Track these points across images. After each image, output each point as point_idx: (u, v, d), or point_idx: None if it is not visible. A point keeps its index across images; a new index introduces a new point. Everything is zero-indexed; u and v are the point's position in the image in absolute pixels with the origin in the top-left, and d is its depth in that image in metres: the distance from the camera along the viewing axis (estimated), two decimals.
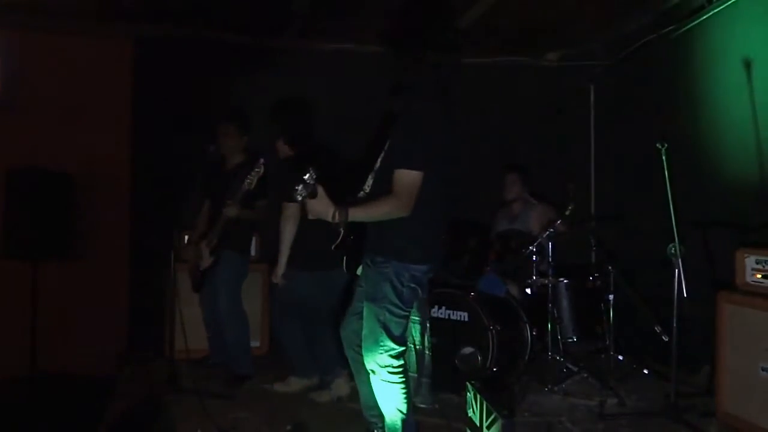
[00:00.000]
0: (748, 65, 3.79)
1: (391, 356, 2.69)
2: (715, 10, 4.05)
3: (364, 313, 2.75)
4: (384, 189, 2.63)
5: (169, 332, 4.06)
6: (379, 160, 2.78)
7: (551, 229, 4.19)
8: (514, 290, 4.50)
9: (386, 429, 2.84)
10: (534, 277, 4.31)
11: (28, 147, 4.39)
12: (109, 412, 3.56)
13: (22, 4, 4.29)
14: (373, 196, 2.72)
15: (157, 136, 4.75)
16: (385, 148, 2.74)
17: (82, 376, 4.12)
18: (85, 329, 4.48)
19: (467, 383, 3.04)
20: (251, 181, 3.73)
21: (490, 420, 2.75)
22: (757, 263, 3.27)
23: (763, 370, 3.16)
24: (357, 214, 2.58)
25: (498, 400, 2.85)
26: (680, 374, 3.60)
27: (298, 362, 4.05)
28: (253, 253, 4.88)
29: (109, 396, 3.79)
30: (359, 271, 2.91)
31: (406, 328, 2.79)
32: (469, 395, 3.00)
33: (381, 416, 2.88)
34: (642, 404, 3.80)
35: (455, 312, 4.05)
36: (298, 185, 2.48)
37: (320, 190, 2.51)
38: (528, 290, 4.48)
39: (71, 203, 4.23)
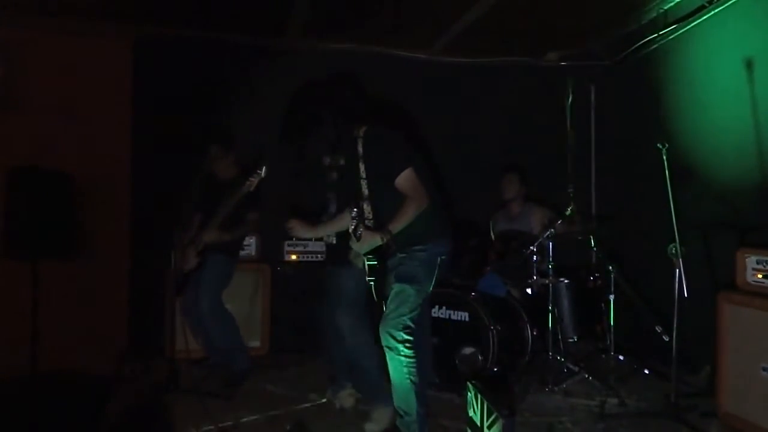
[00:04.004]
0: (748, 65, 3.79)
1: (408, 333, 3.00)
2: (715, 10, 4.05)
3: (393, 292, 3.05)
4: (383, 207, 3.07)
5: (169, 332, 4.06)
6: (365, 188, 3.13)
7: (551, 230, 4.19)
8: (514, 290, 4.50)
9: (397, 401, 3.07)
10: (534, 277, 4.31)
11: (28, 147, 4.39)
12: (109, 412, 3.56)
13: (22, 3, 4.29)
14: (382, 212, 3.09)
15: (157, 137, 4.75)
16: (363, 176, 3.11)
17: (83, 376, 4.11)
18: (85, 329, 4.47)
19: (468, 383, 3.04)
20: (251, 183, 3.77)
21: (490, 420, 2.75)
22: (757, 263, 3.27)
23: (763, 370, 3.17)
24: (396, 227, 2.95)
25: (498, 400, 2.86)
26: (681, 374, 3.60)
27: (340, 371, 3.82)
28: (253, 253, 4.89)
29: (109, 396, 3.79)
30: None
31: (419, 311, 3.10)
32: (470, 395, 3.00)
33: None
34: (642, 404, 3.80)
35: (456, 312, 4.05)
36: (354, 223, 2.94)
37: (360, 228, 2.94)
38: (528, 290, 4.48)
39: (71, 203, 4.22)
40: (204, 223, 4.22)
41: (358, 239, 2.96)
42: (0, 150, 4.36)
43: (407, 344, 2.99)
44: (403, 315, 2.99)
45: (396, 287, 3.06)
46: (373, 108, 3.42)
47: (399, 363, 3.00)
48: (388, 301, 3.07)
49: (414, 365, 3.01)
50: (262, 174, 3.77)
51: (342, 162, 3.24)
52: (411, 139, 3.24)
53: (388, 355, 3.02)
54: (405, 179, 2.97)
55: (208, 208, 4.23)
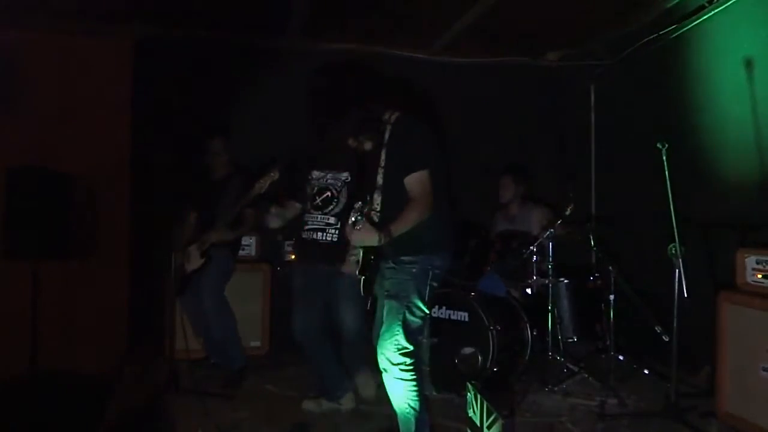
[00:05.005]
0: (748, 65, 3.79)
1: (403, 354, 2.79)
2: (715, 10, 4.05)
3: (384, 310, 2.86)
4: (394, 201, 2.83)
5: (169, 332, 4.06)
6: (380, 177, 2.91)
7: (551, 230, 4.19)
8: (514, 290, 4.50)
9: (399, 425, 2.91)
10: (534, 277, 4.31)
11: (28, 147, 4.39)
12: (109, 412, 3.56)
13: (23, 3, 4.29)
14: (392, 205, 2.85)
15: (157, 137, 4.75)
16: (381, 164, 2.90)
17: (83, 376, 4.11)
18: (85, 329, 4.48)
19: (467, 383, 3.04)
20: (263, 185, 3.66)
21: (490, 420, 2.75)
22: (757, 263, 3.27)
23: (763, 370, 3.16)
24: (397, 230, 2.74)
25: (498, 400, 2.86)
26: (680, 374, 3.60)
27: (330, 382, 3.72)
28: (253, 252, 4.89)
29: (109, 396, 3.79)
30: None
31: (420, 330, 2.92)
32: (470, 395, 2.99)
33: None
34: (642, 404, 3.80)
35: (455, 312, 4.05)
36: (354, 216, 2.72)
37: (360, 223, 2.71)
38: (528, 290, 4.48)
39: (71, 203, 4.22)
40: (203, 222, 4.22)
41: (357, 232, 2.75)
42: (0, 150, 4.36)
43: (403, 366, 2.78)
44: (396, 335, 2.78)
45: (386, 304, 2.86)
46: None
47: (394, 386, 2.83)
48: (383, 318, 2.87)
49: (413, 389, 2.82)
50: (275, 176, 3.65)
51: (368, 146, 2.98)
52: (442, 141, 3.04)
53: (384, 377, 2.85)
54: (417, 180, 2.79)
55: (203, 206, 4.23)
